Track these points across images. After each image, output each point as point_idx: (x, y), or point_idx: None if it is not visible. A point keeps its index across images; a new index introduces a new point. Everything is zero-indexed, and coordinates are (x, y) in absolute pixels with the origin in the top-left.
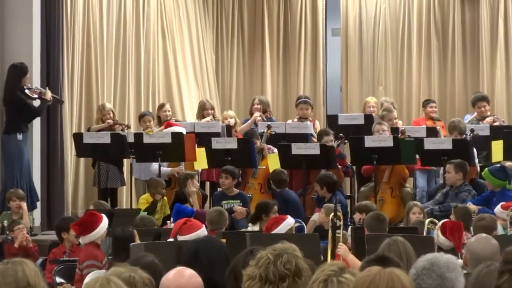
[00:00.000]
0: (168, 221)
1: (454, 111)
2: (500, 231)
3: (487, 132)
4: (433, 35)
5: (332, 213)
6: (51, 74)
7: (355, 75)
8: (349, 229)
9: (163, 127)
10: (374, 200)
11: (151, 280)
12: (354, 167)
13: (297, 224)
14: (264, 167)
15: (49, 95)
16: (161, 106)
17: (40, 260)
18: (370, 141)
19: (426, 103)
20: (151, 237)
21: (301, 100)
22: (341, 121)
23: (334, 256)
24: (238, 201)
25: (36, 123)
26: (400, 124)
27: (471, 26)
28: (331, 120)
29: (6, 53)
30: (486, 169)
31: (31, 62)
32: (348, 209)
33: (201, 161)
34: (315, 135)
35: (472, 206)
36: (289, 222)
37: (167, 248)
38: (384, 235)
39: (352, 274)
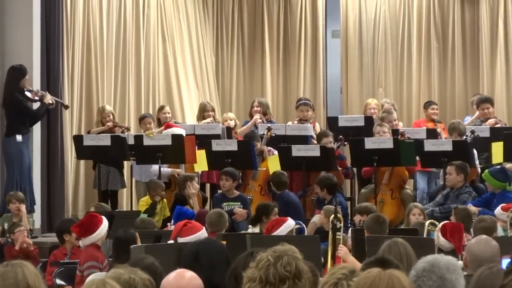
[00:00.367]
0: (168, 223)
1: (455, 112)
2: (500, 232)
3: (487, 134)
4: (433, 36)
5: (333, 215)
6: (51, 77)
7: (355, 77)
8: (349, 231)
9: (162, 127)
10: (374, 202)
11: (152, 281)
12: (354, 169)
13: (298, 226)
14: (264, 169)
15: (48, 98)
16: (161, 108)
17: (40, 263)
18: (370, 143)
19: (428, 104)
20: (152, 239)
21: (301, 102)
22: (341, 123)
23: (334, 258)
24: (239, 203)
25: (36, 125)
26: (400, 125)
27: (471, 27)
28: (331, 122)
29: (6, 55)
30: (487, 170)
31: (31, 64)
32: (349, 211)
33: (201, 163)
34: (315, 137)
35: (472, 208)
36: (290, 224)
37: (167, 250)
38: (384, 237)
39: None
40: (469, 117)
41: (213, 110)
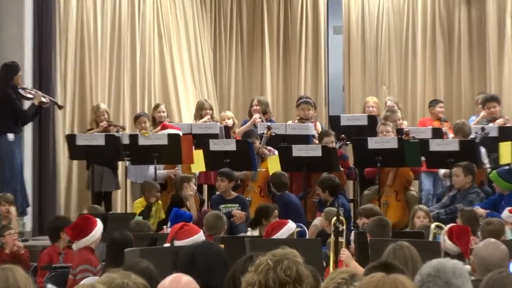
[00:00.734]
0: (164, 226)
1: (461, 111)
2: (508, 235)
3: (495, 133)
4: (438, 33)
5: (335, 218)
6: (44, 74)
7: (357, 74)
8: (352, 234)
9: (159, 128)
10: (378, 204)
11: (146, 286)
12: (357, 170)
13: (299, 229)
14: (264, 169)
15: (38, 99)
16: (156, 106)
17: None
18: (373, 143)
19: (435, 103)
20: (147, 242)
21: (302, 100)
22: (343, 122)
23: (336, 262)
24: (237, 205)
25: (28, 124)
26: (405, 125)
27: (477, 23)
28: (333, 121)
29: None
30: (494, 171)
31: (23, 62)
32: (351, 213)
33: (198, 164)
34: (317, 136)
35: (480, 210)
36: (290, 227)
37: (163, 253)
38: (388, 240)
39: None
40: (474, 117)
41: (211, 109)
